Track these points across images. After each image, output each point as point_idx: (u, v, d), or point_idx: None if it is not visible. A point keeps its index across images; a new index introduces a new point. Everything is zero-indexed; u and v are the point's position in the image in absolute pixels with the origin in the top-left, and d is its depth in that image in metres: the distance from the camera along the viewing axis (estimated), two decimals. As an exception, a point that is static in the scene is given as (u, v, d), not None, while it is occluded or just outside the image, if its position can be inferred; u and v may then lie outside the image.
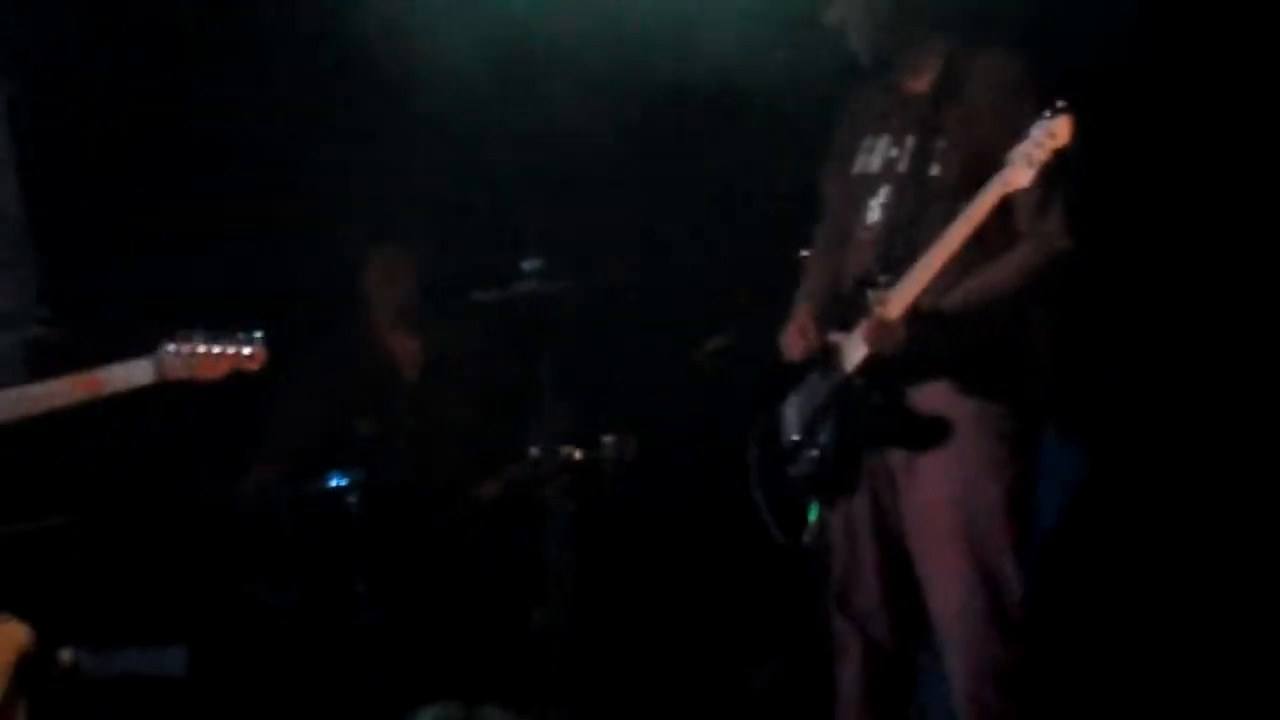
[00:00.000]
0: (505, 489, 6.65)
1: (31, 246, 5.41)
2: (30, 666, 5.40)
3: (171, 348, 5.20)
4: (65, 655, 5.84)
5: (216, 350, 5.26)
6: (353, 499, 6.43)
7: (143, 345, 5.25)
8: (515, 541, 6.47)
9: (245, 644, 6.33)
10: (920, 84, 5.29)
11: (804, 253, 5.61)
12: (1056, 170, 4.92)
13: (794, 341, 5.40)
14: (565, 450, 6.23)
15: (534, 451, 6.28)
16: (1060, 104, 4.85)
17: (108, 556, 6.56)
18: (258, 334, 5.29)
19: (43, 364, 5.30)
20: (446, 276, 6.76)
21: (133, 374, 5.20)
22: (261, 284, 6.77)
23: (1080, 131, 4.87)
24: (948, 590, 5.02)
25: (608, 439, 6.30)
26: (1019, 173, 4.88)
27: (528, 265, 6.24)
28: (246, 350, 5.29)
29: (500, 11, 6.54)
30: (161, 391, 5.28)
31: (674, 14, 6.33)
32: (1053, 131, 4.84)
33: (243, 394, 6.07)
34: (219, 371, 5.27)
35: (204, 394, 5.70)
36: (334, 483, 6.44)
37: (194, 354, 5.24)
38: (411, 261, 7.00)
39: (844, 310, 5.26)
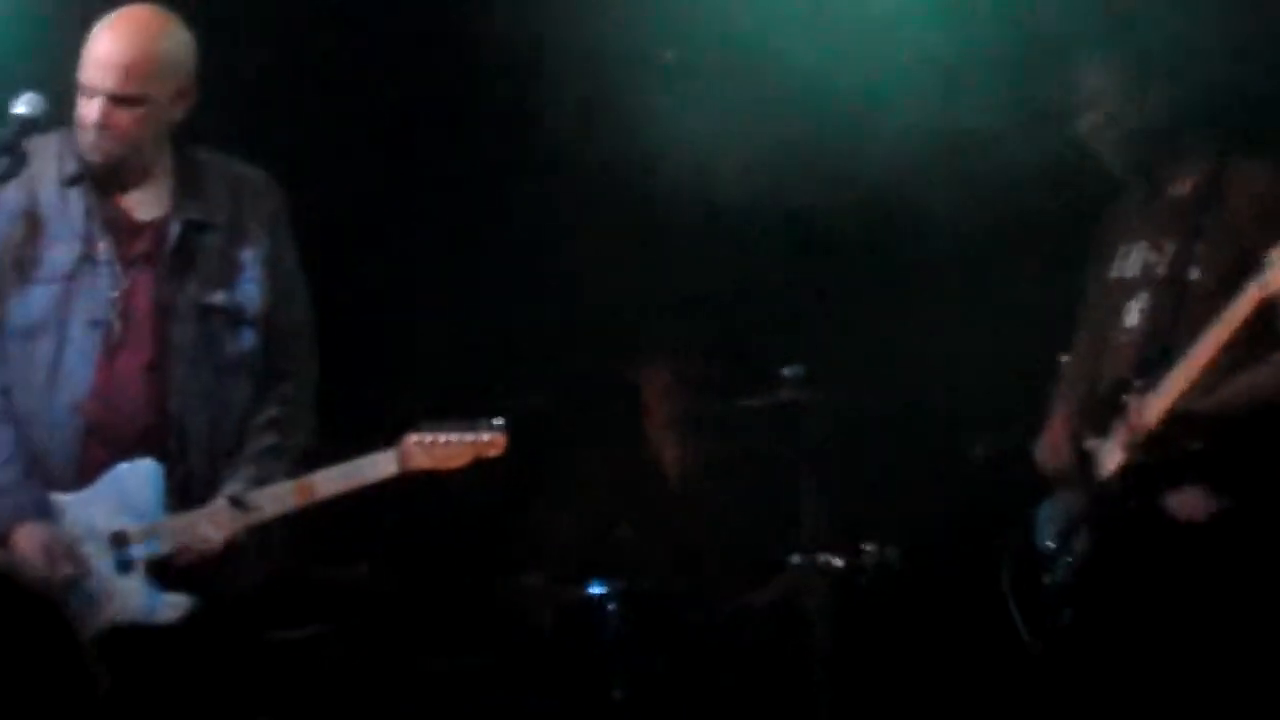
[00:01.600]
0: (773, 598, 6.45)
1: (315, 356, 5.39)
2: None
3: (414, 438, 5.15)
4: None
5: (457, 439, 5.19)
6: (612, 606, 6.36)
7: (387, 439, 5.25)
8: (778, 652, 6.32)
9: None
10: (1181, 189, 5.29)
11: (1063, 357, 5.59)
12: None
13: (1049, 452, 5.43)
14: (825, 559, 6.17)
15: (794, 560, 6.21)
16: None
17: (375, 665, 6.49)
18: (498, 421, 5.22)
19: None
20: (712, 384, 6.71)
21: (373, 468, 5.13)
22: (533, 387, 6.65)
23: None
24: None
25: (869, 547, 6.22)
26: (1276, 275, 4.79)
27: (789, 372, 6.18)
28: (487, 438, 5.21)
29: (761, 123, 6.56)
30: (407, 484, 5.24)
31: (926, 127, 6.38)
32: None
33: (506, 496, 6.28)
34: (462, 461, 5.20)
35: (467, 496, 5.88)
36: (595, 590, 6.37)
37: (436, 444, 5.17)
38: (687, 373, 6.92)
39: (1101, 415, 5.23)
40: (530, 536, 6.86)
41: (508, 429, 5.23)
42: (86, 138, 4.97)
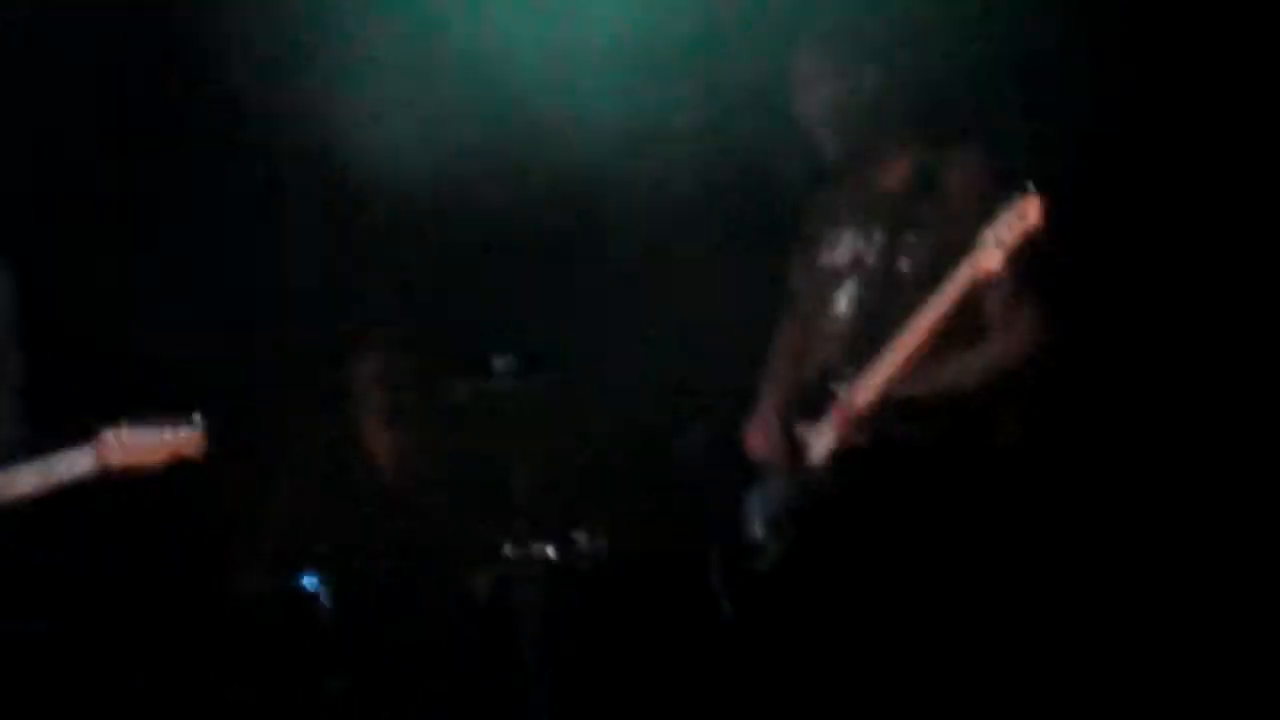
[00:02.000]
0: (487, 586, 6.44)
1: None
2: None
3: (111, 434, 5.18)
4: None
5: (155, 436, 5.20)
6: (324, 599, 6.32)
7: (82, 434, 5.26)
8: (494, 640, 6.31)
9: None
10: (892, 178, 5.34)
11: (773, 341, 5.65)
12: (1029, 263, 4.92)
13: (757, 439, 5.47)
14: (538, 548, 6.14)
15: (507, 550, 6.19)
16: (1028, 185, 4.85)
17: (79, 663, 6.36)
18: (197, 419, 5.24)
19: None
20: (422, 376, 6.68)
21: (69, 465, 5.19)
22: (234, 377, 6.66)
23: (1053, 225, 4.86)
24: None
25: (580, 536, 6.20)
26: (989, 254, 4.88)
27: (499, 363, 6.18)
28: (184, 435, 5.23)
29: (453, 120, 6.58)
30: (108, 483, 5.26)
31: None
32: (1021, 213, 4.84)
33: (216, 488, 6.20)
34: (160, 458, 5.21)
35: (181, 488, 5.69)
36: (307, 582, 6.33)
37: (133, 440, 5.20)
38: (405, 360, 6.86)
39: (811, 402, 5.27)
40: (245, 531, 6.72)
41: (206, 428, 5.23)
42: None
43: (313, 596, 6.35)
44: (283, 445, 6.79)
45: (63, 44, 6.77)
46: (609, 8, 6.41)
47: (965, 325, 5.05)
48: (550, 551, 6.19)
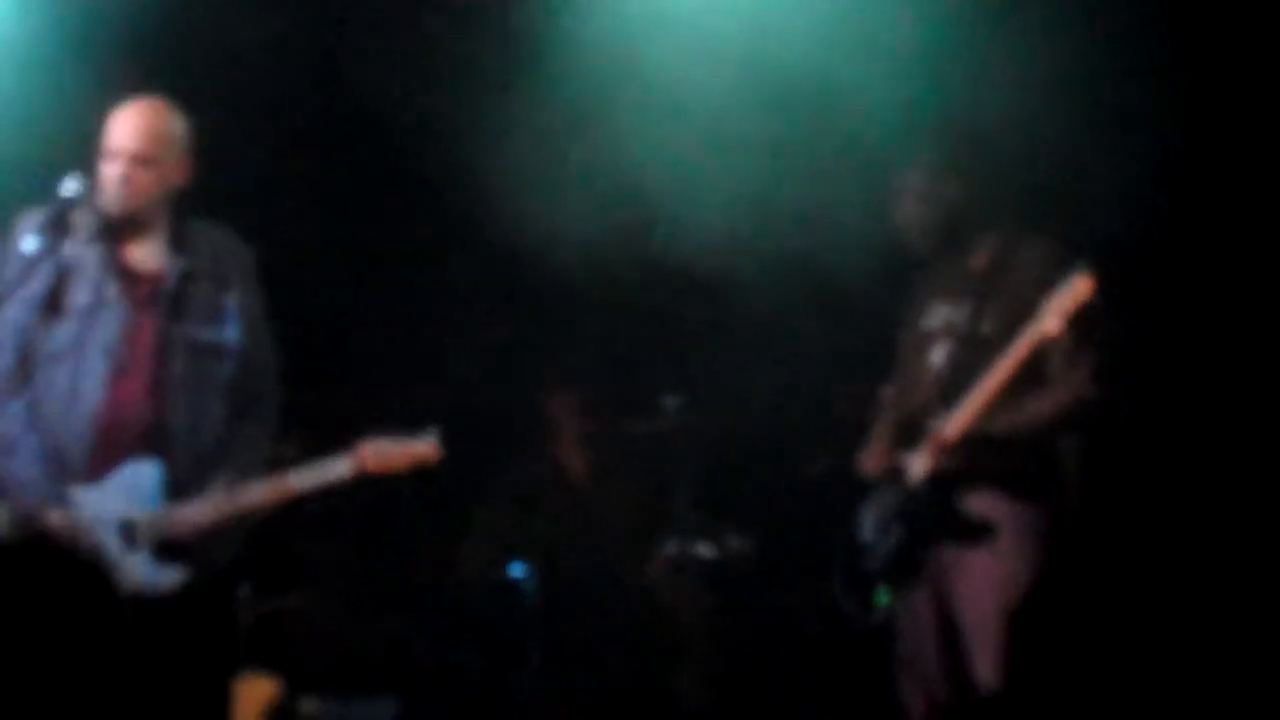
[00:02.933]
0: (655, 577, 6.74)
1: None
2: (279, 713, 5.90)
3: (366, 446, 5.37)
4: (306, 704, 6.23)
5: (401, 448, 5.39)
6: (530, 584, 6.70)
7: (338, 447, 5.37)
8: (660, 619, 6.56)
9: (447, 697, 6.55)
10: (977, 262, 5.67)
11: (882, 389, 5.91)
12: (1086, 328, 5.28)
13: (871, 461, 5.76)
14: (695, 547, 6.47)
15: (670, 548, 6.51)
16: (1082, 265, 5.22)
17: (341, 627, 6.72)
18: (433, 432, 5.39)
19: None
20: (607, 409, 6.90)
21: (333, 469, 5.35)
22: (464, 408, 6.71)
23: (1104, 293, 5.21)
24: (990, 657, 5.38)
25: (731, 538, 6.44)
26: (1049, 321, 5.24)
27: (670, 400, 6.58)
28: (424, 447, 5.40)
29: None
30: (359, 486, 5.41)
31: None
32: (1077, 288, 5.19)
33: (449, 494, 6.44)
34: (403, 466, 5.39)
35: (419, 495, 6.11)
36: (516, 570, 6.69)
37: (383, 451, 5.37)
38: (587, 400, 7.16)
39: (911, 435, 5.60)
40: (465, 528, 7.10)
41: (441, 441, 5.38)
42: (109, 193, 5.30)
43: (520, 583, 6.74)
44: (499, 463, 7.06)
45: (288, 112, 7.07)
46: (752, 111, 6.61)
47: (1033, 375, 5.37)
48: (706, 550, 6.61)
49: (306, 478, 5.36)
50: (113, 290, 5.36)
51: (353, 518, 6.58)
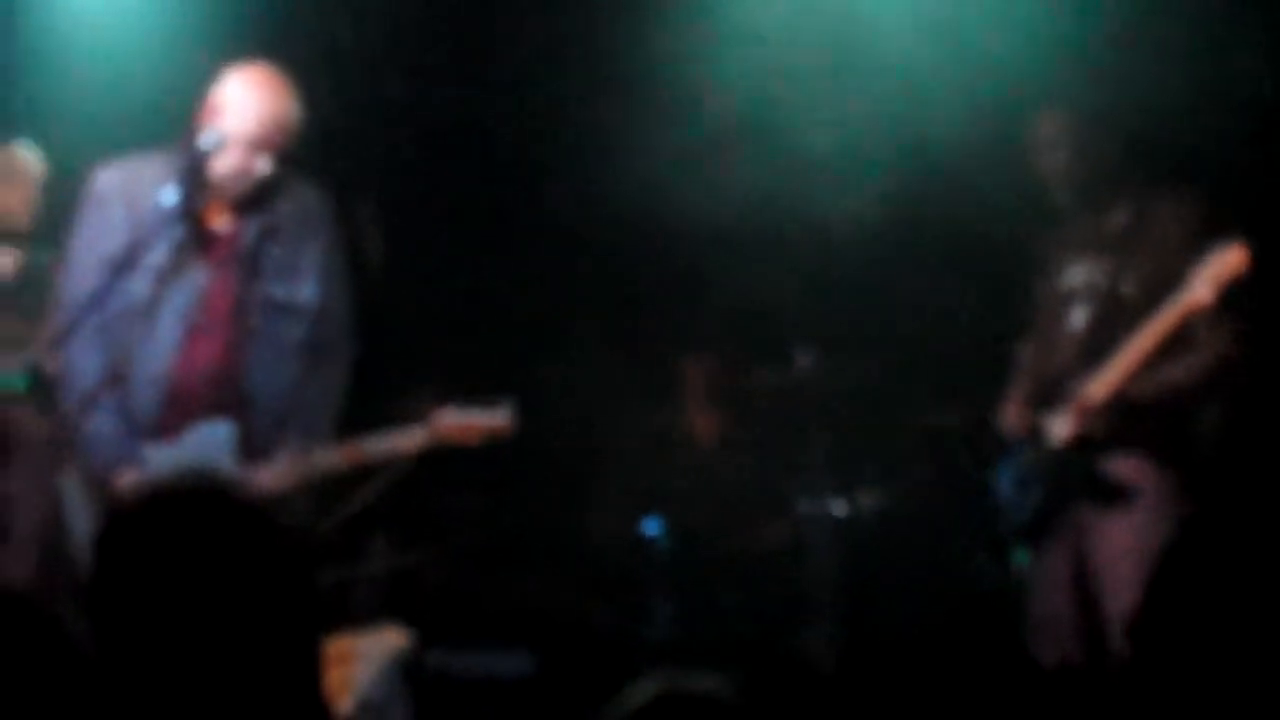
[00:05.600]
0: (786, 534, 6.59)
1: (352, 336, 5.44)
2: (410, 664, 5.60)
3: (442, 416, 5.21)
4: (436, 657, 6.03)
5: (475, 420, 5.24)
6: (661, 540, 6.55)
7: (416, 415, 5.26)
8: (792, 577, 6.44)
9: (576, 650, 6.39)
10: (1117, 219, 5.50)
11: (1019, 347, 5.76)
12: (1229, 292, 5.12)
13: (1011, 420, 5.60)
14: (828, 504, 6.33)
15: (802, 505, 6.38)
16: (1237, 237, 5.09)
17: (474, 581, 6.62)
18: (508, 405, 5.25)
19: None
20: (741, 365, 6.74)
21: (406, 439, 5.21)
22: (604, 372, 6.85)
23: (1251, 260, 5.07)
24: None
25: (864, 494, 6.33)
26: (1201, 291, 5.10)
27: (800, 353, 6.39)
28: (499, 420, 5.25)
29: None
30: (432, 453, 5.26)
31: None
32: (1230, 258, 5.08)
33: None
34: (476, 438, 5.26)
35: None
36: (650, 526, 6.55)
37: (458, 422, 5.22)
38: (723, 355, 6.99)
39: (1050, 395, 5.45)
40: (597, 483, 6.93)
41: (517, 413, 5.23)
42: (235, 176, 5.11)
43: (651, 539, 6.57)
44: (632, 419, 6.88)
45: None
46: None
47: (1175, 339, 5.23)
48: (838, 507, 6.35)
49: (379, 444, 5.22)
50: (190, 249, 5.16)
51: (488, 472, 6.27)
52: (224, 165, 5.13)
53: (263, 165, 5.14)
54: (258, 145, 5.13)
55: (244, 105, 5.14)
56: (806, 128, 6.53)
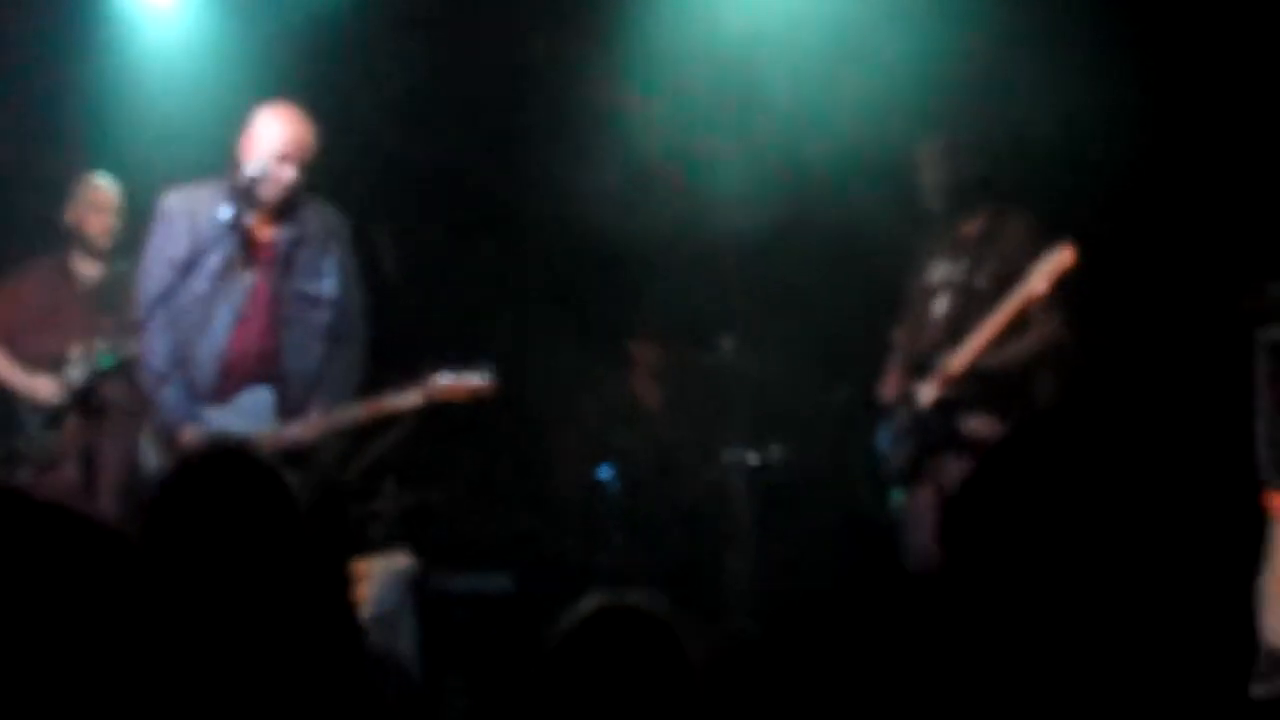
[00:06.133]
0: (711, 479, 6.53)
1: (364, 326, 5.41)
2: (415, 583, 5.68)
3: (435, 378, 5.14)
4: (437, 578, 6.02)
5: (462, 381, 5.15)
6: (613, 483, 6.56)
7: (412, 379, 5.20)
8: (715, 513, 6.45)
9: (549, 573, 6.30)
10: (971, 228, 5.48)
11: (894, 331, 5.75)
12: (1060, 286, 5.11)
13: (887, 388, 5.63)
14: (745, 455, 6.33)
15: (725, 455, 6.39)
16: (1066, 240, 5.08)
17: (467, 516, 6.55)
18: (490, 368, 5.17)
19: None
20: (676, 348, 6.73)
21: (408, 397, 5.16)
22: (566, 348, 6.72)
23: (1080, 257, 5.06)
24: None
25: (774, 448, 6.33)
26: (1036, 283, 5.11)
27: (725, 340, 6.42)
28: (482, 381, 5.16)
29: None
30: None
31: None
32: (1062, 256, 5.07)
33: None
34: (465, 396, 5.16)
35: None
36: (604, 473, 6.57)
37: (448, 383, 5.14)
38: (660, 346, 6.89)
39: (920, 368, 5.47)
40: (563, 438, 6.84)
41: (496, 377, 5.15)
42: (274, 185, 5.12)
43: (606, 482, 6.55)
44: (590, 389, 6.81)
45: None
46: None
47: (1018, 323, 5.23)
48: (753, 458, 6.34)
49: (388, 401, 5.19)
50: (239, 256, 5.21)
51: (478, 430, 6.31)
52: (264, 186, 5.19)
53: (289, 173, 5.18)
54: (283, 157, 5.19)
55: (270, 129, 5.21)
56: (715, 161, 6.47)
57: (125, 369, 5.63)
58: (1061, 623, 1.89)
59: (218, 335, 5.20)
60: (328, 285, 5.32)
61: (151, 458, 5.24)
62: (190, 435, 5.09)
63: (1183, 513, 1.90)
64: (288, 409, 5.22)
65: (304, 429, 5.18)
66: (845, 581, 5.99)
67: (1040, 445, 1.97)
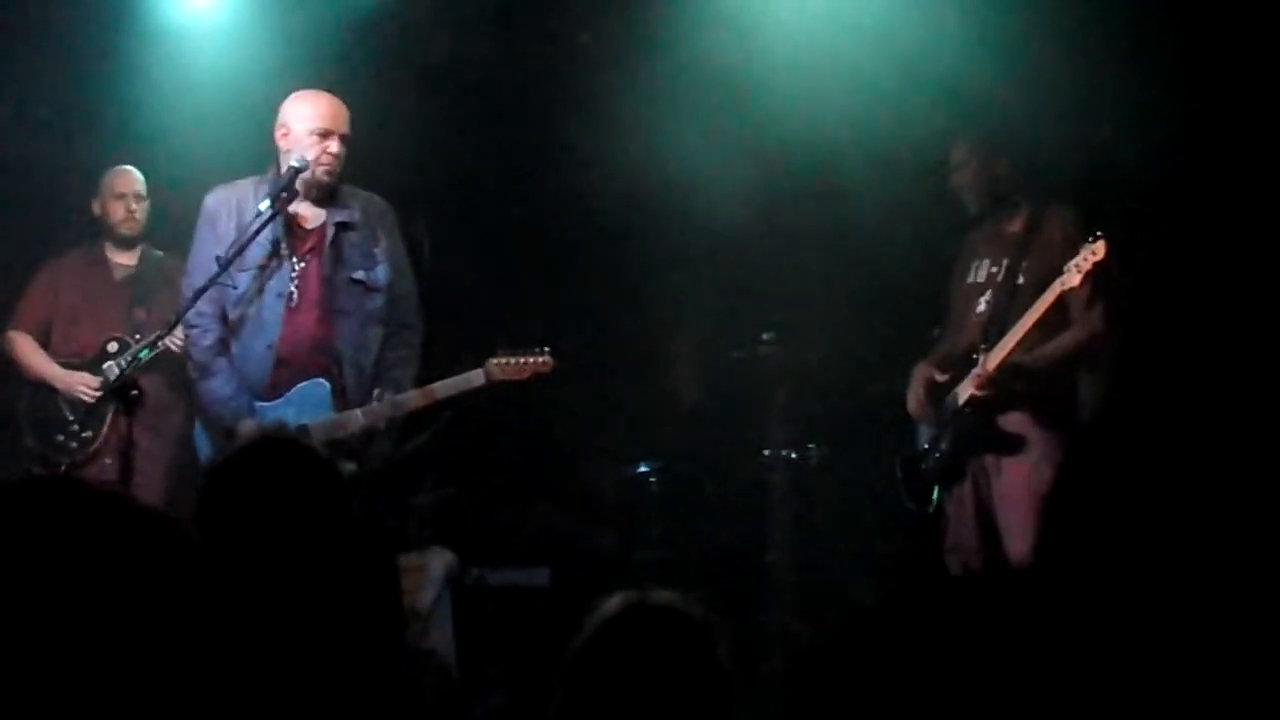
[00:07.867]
0: (751, 477, 6.50)
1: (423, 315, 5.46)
2: (453, 577, 5.77)
3: (494, 360, 5.20)
4: (476, 572, 6.07)
5: (522, 361, 5.21)
6: (652, 479, 6.56)
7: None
8: (755, 509, 6.42)
9: (587, 568, 6.32)
10: (1013, 225, 5.50)
11: (936, 331, 5.79)
12: (1099, 279, 5.13)
13: (912, 399, 5.65)
14: (784, 453, 6.34)
15: (765, 453, 6.37)
16: (1099, 233, 5.08)
17: (506, 511, 6.62)
18: (548, 349, 5.25)
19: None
20: (715, 345, 6.71)
21: (470, 380, 5.21)
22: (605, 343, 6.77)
23: (1117, 253, 5.06)
24: (1021, 540, 5.14)
25: (811, 447, 6.36)
26: (1071, 277, 5.12)
27: (766, 336, 6.40)
28: (541, 360, 5.23)
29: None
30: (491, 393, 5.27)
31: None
32: (1095, 250, 5.07)
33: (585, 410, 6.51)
34: (525, 376, 5.22)
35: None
36: (643, 468, 6.57)
37: (508, 364, 5.20)
38: (703, 332, 6.90)
39: (959, 368, 5.50)
40: (601, 433, 6.85)
41: (554, 357, 5.21)
42: (326, 165, 5.18)
43: (645, 478, 6.56)
44: (633, 386, 6.81)
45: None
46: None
47: (1057, 319, 5.24)
48: (792, 455, 6.33)
49: (449, 386, 5.23)
50: (284, 245, 5.22)
51: (517, 425, 6.40)
52: (324, 158, 5.22)
53: (334, 146, 5.22)
54: (323, 134, 5.22)
55: (302, 109, 5.26)
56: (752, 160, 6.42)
57: (164, 363, 5.74)
58: (1151, 620, 1.90)
59: (270, 326, 5.20)
60: (380, 272, 5.32)
61: (205, 448, 5.29)
62: (245, 429, 5.06)
63: (1247, 510, 1.93)
64: (344, 400, 5.22)
65: (368, 415, 5.18)
66: (884, 578, 6.05)
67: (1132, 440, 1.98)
